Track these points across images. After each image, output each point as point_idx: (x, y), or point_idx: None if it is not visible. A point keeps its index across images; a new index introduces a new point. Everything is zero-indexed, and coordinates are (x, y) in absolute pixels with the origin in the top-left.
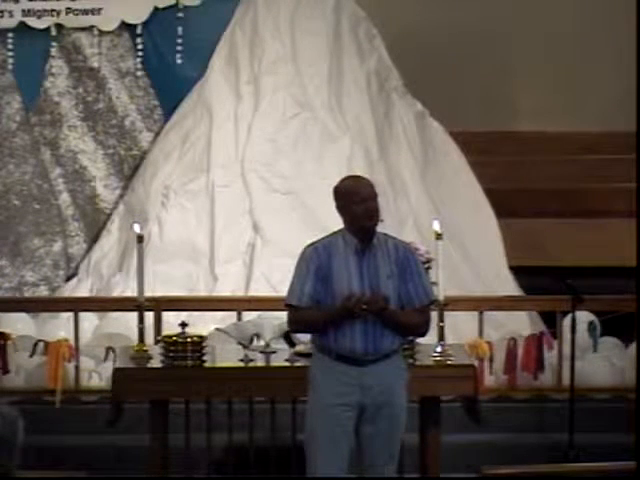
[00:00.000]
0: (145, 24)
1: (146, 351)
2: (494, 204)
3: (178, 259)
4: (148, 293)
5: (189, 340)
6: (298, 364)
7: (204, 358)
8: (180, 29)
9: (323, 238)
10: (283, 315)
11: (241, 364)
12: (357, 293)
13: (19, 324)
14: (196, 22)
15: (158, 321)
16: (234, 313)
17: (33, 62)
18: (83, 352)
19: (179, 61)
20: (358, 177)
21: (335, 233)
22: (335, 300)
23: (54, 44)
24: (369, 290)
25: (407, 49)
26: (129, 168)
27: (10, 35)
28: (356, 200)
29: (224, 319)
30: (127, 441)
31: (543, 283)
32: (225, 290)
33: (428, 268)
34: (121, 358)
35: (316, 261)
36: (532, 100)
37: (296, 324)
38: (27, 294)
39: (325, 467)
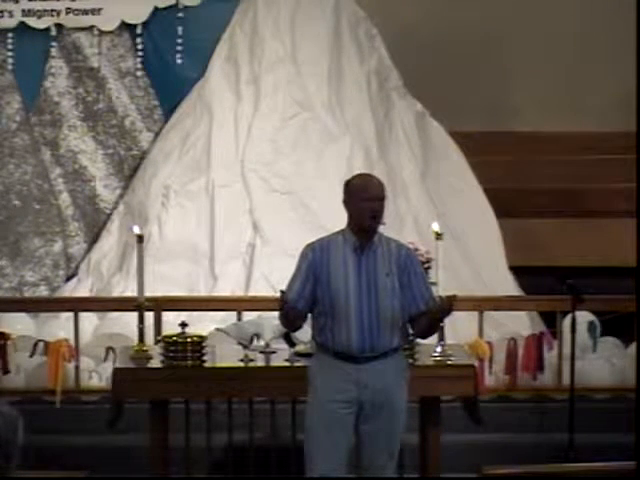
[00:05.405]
0: (145, 24)
1: (146, 351)
2: (494, 204)
3: (178, 259)
4: (148, 293)
5: (189, 340)
6: (298, 364)
7: (204, 358)
8: (180, 29)
9: (324, 237)
10: None
11: (241, 364)
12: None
13: (19, 324)
14: (196, 22)
15: (158, 321)
16: (234, 313)
17: (33, 62)
18: (83, 352)
19: (179, 61)
20: (370, 176)
21: (337, 232)
22: (332, 297)
23: (54, 44)
24: (365, 288)
25: (407, 49)
26: (129, 168)
27: (10, 35)
28: (363, 198)
29: (224, 319)
30: (127, 441)
31: (543, 283)
32: (225, 290)
33: (428, 268)
34: (121, 358)
35: (310, 259)
36: (532, 100)
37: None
38: (27, 294)
39: (323, 463)
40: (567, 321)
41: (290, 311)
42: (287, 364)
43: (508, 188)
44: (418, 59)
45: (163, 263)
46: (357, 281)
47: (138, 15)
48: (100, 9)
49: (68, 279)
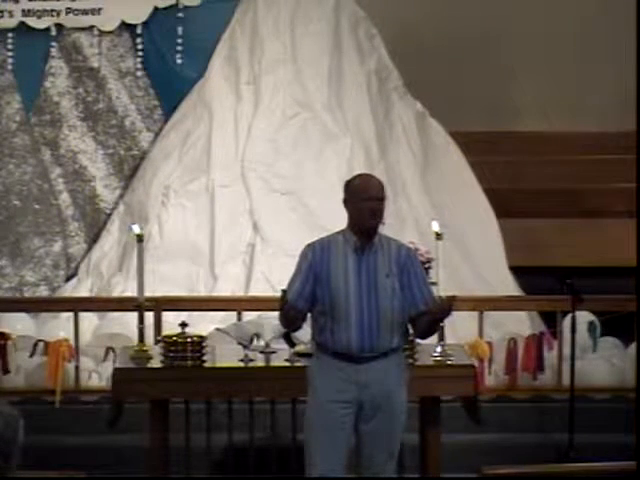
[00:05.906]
0: (145, 24)
1: (146, 351)
2: (494, 204)
3: (178, 259)
4: (148, 293)
5: (189, 340)
6: (298, 364)
7: (204, 358)
8: (180, 29)
9: (325, 237)
10: None
11: (241, 364)
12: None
13: (19, 324)
14: (196, 22)
15: (158, 321)
16: (234, 313)
17: (33, 62)
18: (83, 352)
19: (179, 61)
20: (370, 176)
21: (337, 232)
22: (332, 297)
23: (54, 44)
24: (365, 288)
25: (407, 49)
26: (129, 168)
27: (10, 35)
28: (362, 198)
29: (224, 319)
30: (127, 441)
31: (543, 283)
32: (225, 290)
33: (428, 268)
34: (121, 358)
35: (310, 259)
36: (532, 100)
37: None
38: (27, 294)
39: (323, 463)
40: (567, 321)
41: (290, 311)
42: (287, 364)
43: (508, 188)
44: (418, 59)
45: (163, 263)
46: (357, 281)
47: (138, 15)
48: (100, 9)
49: (68, 279)
